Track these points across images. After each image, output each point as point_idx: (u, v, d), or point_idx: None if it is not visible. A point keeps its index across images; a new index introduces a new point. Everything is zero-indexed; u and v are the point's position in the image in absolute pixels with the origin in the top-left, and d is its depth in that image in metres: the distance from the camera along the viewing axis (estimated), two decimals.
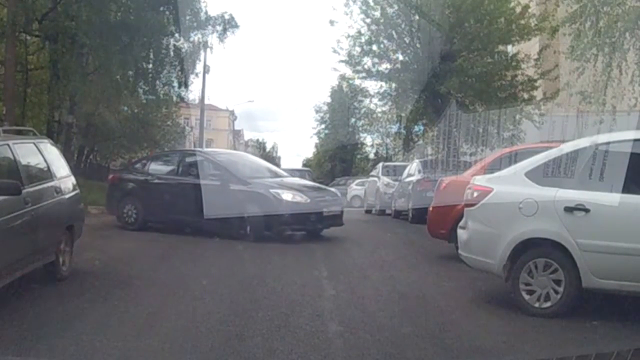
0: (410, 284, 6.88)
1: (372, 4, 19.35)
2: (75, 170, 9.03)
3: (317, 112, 47.55)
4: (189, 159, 11.45)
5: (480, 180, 6.14)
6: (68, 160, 8.25)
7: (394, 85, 20.56)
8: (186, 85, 19.11)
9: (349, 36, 19.63)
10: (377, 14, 19.37)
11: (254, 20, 68.58)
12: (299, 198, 10.21)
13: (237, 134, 60.11)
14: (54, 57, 14.82)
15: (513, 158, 7.75)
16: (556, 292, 5.29)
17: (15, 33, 14.16)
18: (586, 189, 5.25)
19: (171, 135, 27.11)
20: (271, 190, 10.21)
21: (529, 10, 18.16)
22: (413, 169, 14.77)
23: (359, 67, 20.12)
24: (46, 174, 6.40)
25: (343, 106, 43.04)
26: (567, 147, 5.69)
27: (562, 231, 5.24)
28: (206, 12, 18.14)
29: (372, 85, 25.26)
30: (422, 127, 21.33)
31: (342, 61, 20.11)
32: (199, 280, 6.65)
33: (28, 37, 15.88)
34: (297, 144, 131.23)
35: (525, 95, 18.49)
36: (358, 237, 11.05)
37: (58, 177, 6.62)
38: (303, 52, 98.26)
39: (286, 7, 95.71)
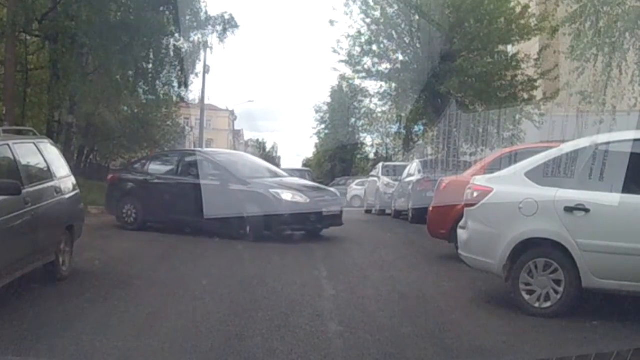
0: (410, 284, 6.88)
1: (372, 4, 19.38)
2: (75, 170, 9.02)
3: (317, 112, 47.64)
4: (188, 159, 11.44)
5: (480, 180, 6.14)
6: (68, 160, 8.24)
7: (394, 85, 20.58)
8: (186, 85, 19.15)
9: (349, 36, 19.70)
10: (377, 14, 19.39)
11: (254, 20, 68.71)
12: (299, 198, 10.21)
13: (237, 134, 60.10)
14: (54, 57, 14.82)
15: (513, 158, 7.75)
16: (556, 292, 5.29)
17: (15, 33, 14.16)
18: (586, 189, 5.25)
19: (171, 135, 27.09)
20: (271, 190, 10.22)
21: (529, 10, 18.17)
22: (413, 169, 14.77)
23: (359, 67, 20.16)
24: (46, 174, 6.40)
25: (343, 106, 43.04)
26: (567, 147, 5.68)
27: (562, 231, 5.24)
28: (206, 12, 18.18)
29: (372, 85, 25.38)
30: (422, 127, 21.35)
31: (342, 61, 20.18)
32: (199, 280, 6.65)
33: (28, 37, 15.88)
34: (297, 144, 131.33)
35: (525, 95, 18.50)
36: (358, 237, 11.05)
37: (58, 177, 6.62)
38: (303, 52, 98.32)
39: (286, 7, 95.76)
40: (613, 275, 5.09)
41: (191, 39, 18.67)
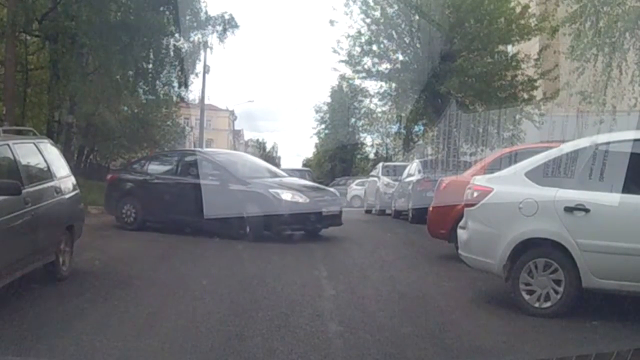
0: (410, 284, 6.88)
1: (372, 4, 19.38)
2: (75, 170, 9.03)
3: (317, 112, 47.62)
4: (187, 159, 11.44)
5: (480, 180, 6.14)
6: (68, 160, 8.24)
7: (394, 85, 20.58)
8: (186, 85, 19.15)
9: (349, 36, 19.69)
10: (377, 14, 19.39)
11: (254, 20, 68.71)
12: (299, 198, 10.21)
13: (237, 134, 60.09)
14: (54, 57, 14.83)
15: (513, 158, 7.75)
16: (556, 292, 5.29)
17: (15, 33, 14.17)
18: (586, 189, 5.25)
19: (171, 135, 27.09)
20: (270, 190, 10.22)
21: (529, 10, 18.17)
22: (413, 169, 14.77)
23: (359, 67, 20.15)
24: (46, 174, 6.40)
25: (343, 106, 43.03)
26: (567, 147, 5.68)
27: (562, 231, 5.24)
28: (206, 12, 18.19)
29: (372, 85, 25.38)
30: (422, 127, 21.34)
31: (342, 61, 20.18)
32: (199, 280, 6.66)
33: (28, 37, 15.89)
34: (297, 144, 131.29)
35: (525, 95, 18.50)
36: (358, 237, 11.05)
37: (58, 177, 6.62)
38: (303, 52, 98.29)
39: (286, 7, 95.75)
40: (613, 275, 5.09)
41: (191, 39, 18.70)
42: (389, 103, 22.58)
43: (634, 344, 4.09)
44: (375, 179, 18.97)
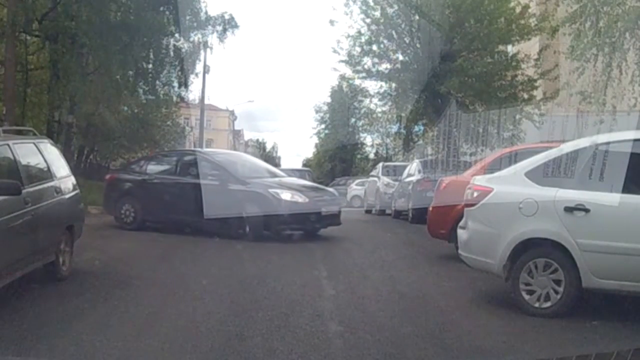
0: (410, 284, 6.88)
1: (372, 4, 19.38)
2: (75, 170, 9.03)
3: (317, 112, 47.64)
4: (187, 159, 11.45)
5: (480, 180, 6.14)
6: (68, 160, 8.24)
7: (394, 85, 20.58)
8: (186, 85, 19.16)
9: (349, 36, 19.69)
10: (377, 14, 19.39)
11: (254, 20, 68.68)
12: (298, 198, 10.22)
13: (237, 134, 60.09)
14: (54, 57, 14.82)
15: (513, 158, 7.75)
16: (556, 292, 5.29)
17: (15, 33, 14.16)
18: (586, 189, 5.25)
19: (171, 135, 27.10)
20: (270, 190, 10.22)
21: (529, 10, 18.17)
22: (413, 169, 14.77)
23: (359, 67, 20.15)
24: (46, 174, 6.40)
25: (343, 106, 43.03)
26: (567, 147, 5.68)
27: (562, 231, 5.24)
28: (206, 12, 18.18)
29: (372, 85, 25.34)
30: (422, 127, 21.35)
31: (342, 61, 20.17)
32: (199, 280, 6.66)
33: (28, 37, 15.88)
34: (297, 144, 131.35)
35: (525, 95, 18.49)
36: (358, 237, 11.05)
37: (58, 177, 6.62)
38: (303, 52, 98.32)
39: (286, 7, 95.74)
40: (613, 275, 5.09)
41: (191, 39, 18.70)
42: (389, 103, 22.58)
43: (634, 344, 4.09)
44: (375, 179, 18.97)
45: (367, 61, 19.86)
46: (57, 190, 6.44)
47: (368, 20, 19.40)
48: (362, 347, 4.43)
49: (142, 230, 10.85)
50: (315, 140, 50.51)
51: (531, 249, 5.43)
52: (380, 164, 21.06)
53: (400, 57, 19.80)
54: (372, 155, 44.27)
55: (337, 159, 45.01)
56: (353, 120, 44.03)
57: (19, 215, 5.32)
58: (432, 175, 12.84)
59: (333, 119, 45.40)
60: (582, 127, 14.35)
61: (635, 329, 4.86)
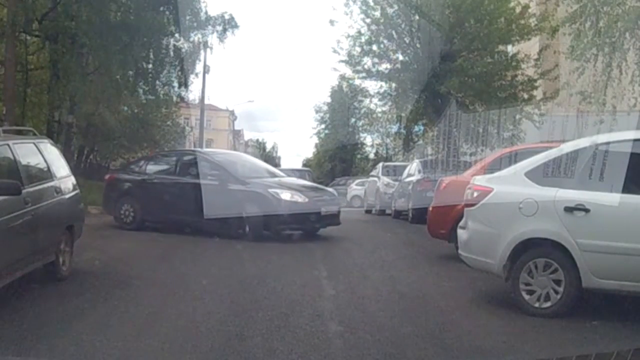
0: (410, 284, 6.88)
1: (372, 4, 19.38)
2: (75, 170, 9.03)
3: (317, 112, 47.65)
4: (186, 159, 11.45)
5: (480, 180, 6.14)
6: (68, 160, 8.24)
7: (394, 85, 20.58)
8: (186, 85, 19.17)
9: (349, 36, 19.69)
10: (377, 14, 19.39)
11: (254, 20, 68.71)
12: (298, 198, 10.22)
13: (237, 134, 60.08)
14: (54, 57, 14.82)
15: (513, 158, 7.75)
16: (556, 292, 5.29)
17: (15, 33, 14.16)
18: (586, 189, 5.25)
19: (171, 135, 27.09)
20: (270, 190, 10.23)
21: (529, 10, 18.18)
22: (413, 169, 14.77)
23: (359, 67, 20.15)
24: (46, 174, 6.40)
25: (343, 106, 43.04)
26: (567, 147, 5.68)
27: (562, 231, 5.24)
28: (206, 12, 18.17)
29: (372, 85, 25.35)
30: (422, 127, 21.35)
31: (342, 61, 20.17)
32: (199, 280, 6.66)
33: (28, 37, 15.88)
34: (297, 144, 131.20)
35: (525, 95, 18.49)
36: (358, 237, 11.05)
37: (58, 177, 6.62)
38: (303, 52, 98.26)
39: (286, 7, 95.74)
40: (613, 275, 5.09)
41: (191, 39, 18.69)
42: (389, 103, 22.58)
43: (634, 344, 4.09)
44: (375, 179, 18.97)
45: (367, 61, 19.90)
46: (57, 190, 6.44)
47: (368, 20, 19.41)
48: (362, 347, 4.43)
49: (141, 230, 10.85)
50: (315, 140, 50.62)
51: (531, 249, 5.43)
52: (380, 164, 21.05)
53: (400, 57, 19.81)
54: (372, 155, 44.30)
55: (337, 159, 45.02)
56: (353, 120, 44.06)
57: (19, 215, 5.32)
58: (432, 175, 12.84)
59: (333, 119, 45.41)
60: (582, 127, 14.35)
61: (635, 329, 4.86)
